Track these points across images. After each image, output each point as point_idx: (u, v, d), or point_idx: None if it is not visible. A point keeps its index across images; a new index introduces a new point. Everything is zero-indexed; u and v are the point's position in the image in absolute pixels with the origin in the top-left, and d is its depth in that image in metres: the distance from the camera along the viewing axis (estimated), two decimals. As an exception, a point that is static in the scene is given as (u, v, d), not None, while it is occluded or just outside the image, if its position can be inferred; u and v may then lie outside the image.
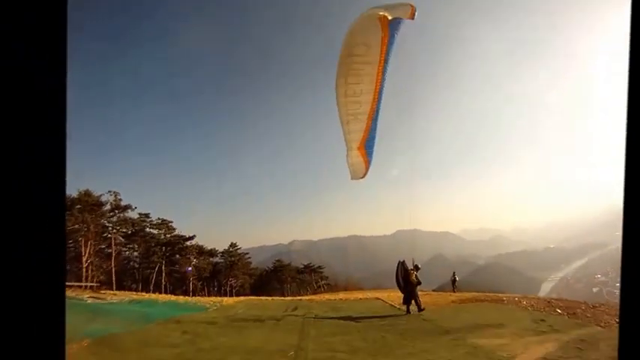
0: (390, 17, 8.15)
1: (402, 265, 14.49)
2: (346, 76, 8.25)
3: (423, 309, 13.92)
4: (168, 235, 55.80)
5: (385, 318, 13.39)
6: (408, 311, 13.89)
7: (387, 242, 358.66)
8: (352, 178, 11.05)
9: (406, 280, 14.20)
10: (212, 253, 61.12)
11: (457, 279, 30.99)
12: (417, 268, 14.48)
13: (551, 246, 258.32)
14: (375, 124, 9.73)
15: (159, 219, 55.56)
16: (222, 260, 61.90)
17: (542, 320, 10.41)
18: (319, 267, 71.99)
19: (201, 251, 59.03)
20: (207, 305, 18.62)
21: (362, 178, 11.14)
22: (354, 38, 8.32)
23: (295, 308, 17.15)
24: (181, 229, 60.78)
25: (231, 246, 62.72)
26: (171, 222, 56.39)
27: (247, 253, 67.32)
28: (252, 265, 68.57)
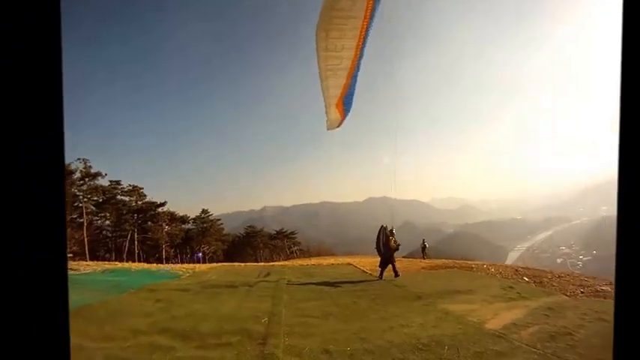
0: None
1: (384, 230, 14.58)
2: (328, 30, 7.86)
3: (399, 275, 14.16)
4: (140, 202, 54.85)
5: (357, 283, 13.54)
6: (380, 277, 14.10)
7: (358, 209, 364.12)
8: (328, 129, 11.12)
9: (386, 245, 14.32)
10: (184, 219, 60.52)
11: (427, 246, 31.61)
12: (391, 232, 14.61)
13: (518, 217, 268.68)
14: (355, 81, 9.50)
15: (130, 185, 54.48)
16: (194, 227, 61.50)
17: (511, 287, 10.74)
18: (292, 233, 72.85)
19: (172, 218, 58.34)
20: (180, 272, 18.39)
21: (337, 127, 11.28)
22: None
23: (268, 274, 17.12)
24: (152, 195, 59.72)
25: (203, 212, 62.23)
26: (142, 188, 55.39)
27: (219, 220, 67.00)
28: (224, 232, 68.56)
